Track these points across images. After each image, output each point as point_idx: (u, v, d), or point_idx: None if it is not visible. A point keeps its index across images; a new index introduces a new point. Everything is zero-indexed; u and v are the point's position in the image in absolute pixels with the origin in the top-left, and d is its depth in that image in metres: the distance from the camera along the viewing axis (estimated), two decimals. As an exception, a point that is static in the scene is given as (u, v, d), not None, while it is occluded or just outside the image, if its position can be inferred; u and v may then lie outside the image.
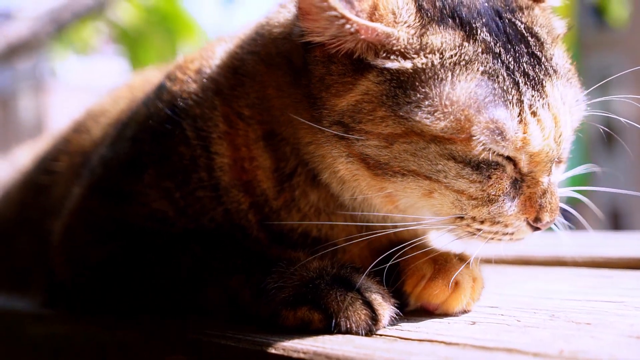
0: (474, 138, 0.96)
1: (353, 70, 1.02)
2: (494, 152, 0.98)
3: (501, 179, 1.01)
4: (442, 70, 0.98)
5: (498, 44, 1.01)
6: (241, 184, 1.16)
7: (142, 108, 1.30)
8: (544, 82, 1.00)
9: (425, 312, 1.07)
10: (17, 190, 1.80)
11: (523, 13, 1.07)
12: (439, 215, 1.04)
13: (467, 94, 0.97)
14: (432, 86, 0.98)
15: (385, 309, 1.01)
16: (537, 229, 1.05)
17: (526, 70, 1.00)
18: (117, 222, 1.24)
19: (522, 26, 1.05)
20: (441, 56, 0.99)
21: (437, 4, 1.03)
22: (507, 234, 1.04)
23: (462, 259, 1.08)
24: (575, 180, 1.22)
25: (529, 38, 1.04)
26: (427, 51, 1.00)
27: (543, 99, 1.00)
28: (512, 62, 1.00)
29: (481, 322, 1.00)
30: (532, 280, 1.30)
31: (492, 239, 1.04)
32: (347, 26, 0.98)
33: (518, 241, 1.06)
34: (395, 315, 1.01)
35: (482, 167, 0.99)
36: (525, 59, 1.01)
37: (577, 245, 1.48)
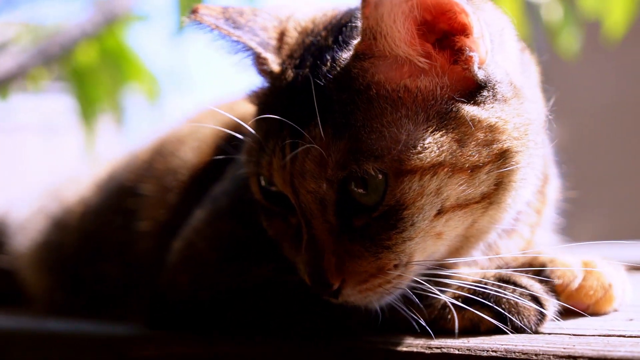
0: None
1: None
2: None
3: None
4: None
5: None
6: None
7: None
8: None
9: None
10: (81, 218, 1.80)
11: None
12: None
13: None
14: None
15: (551, 305, 1.07)
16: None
17: None
18: (245, 243, 1.28)
19: None
20: None
21: None
22: None
23: (609, 262, 1.16)
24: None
25: None
26: None
27: None
28: None
29: (637, 319, 1.08)
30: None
31: None
32: None
33: None
34: (557, 311, 1.08)
35: None
36: None
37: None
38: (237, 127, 1.41)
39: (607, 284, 1.12)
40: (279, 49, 1.17)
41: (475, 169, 1.01)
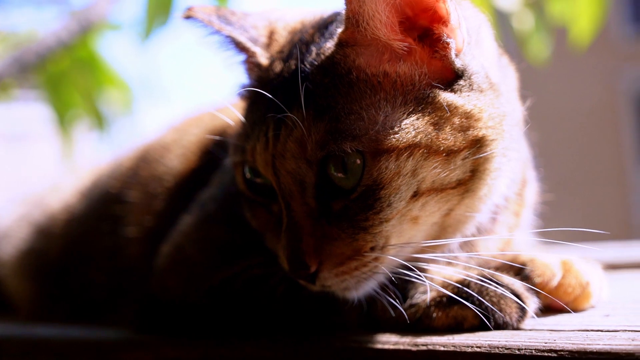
0: None
1: None
2: None
3: None
4: None
5: None
6: None
7: None
8: None
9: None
10: (66, 225, 1.81)
11: None
12: None
13: None
14: None
15: (531, 302, 1.11)
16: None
17: None
18: (233, 246, 1.31)
19: None
20: None
21: None
22: None
23: (587, 261, 1.21)
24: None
25: None
26: None
27: None
28: None
29: (613, 315, 1.13)
30: (620, 281, 1.44)
31: None
32: None
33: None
34: (538, 308, 1.12)
35: None
36: None
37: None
38: (222, 135, 1.45)
39: (585, 281, 1.17)
40: (268, 46, 1.24)
41: (450, 153, 1.07)
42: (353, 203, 1.07)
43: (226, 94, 1.44)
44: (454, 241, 1.18)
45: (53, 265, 1.80)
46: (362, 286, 1.13)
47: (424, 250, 1.15)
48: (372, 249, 1.09)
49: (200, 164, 1.55)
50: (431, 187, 1.07)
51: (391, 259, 1.10)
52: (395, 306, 1.14)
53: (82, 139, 5.47)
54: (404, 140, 1.04)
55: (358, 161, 1.05)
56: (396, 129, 1.04)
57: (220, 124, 1.51)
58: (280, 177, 1.10)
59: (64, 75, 4.55)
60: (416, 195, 1.06)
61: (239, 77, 1.29)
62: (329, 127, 1.05)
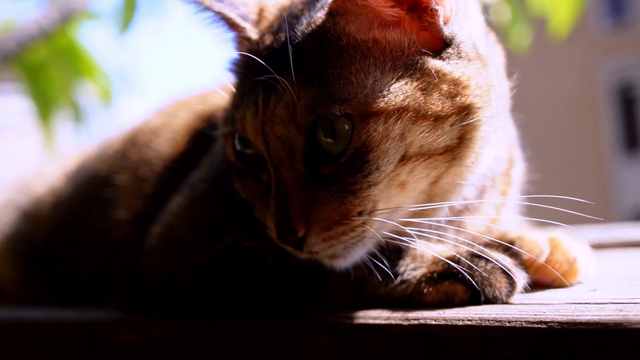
0: None
1: None
2: None
3: None
4: None
5: None
6: None
7: None
8: None
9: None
10: (53, 209, 1.81)
11: None
12: None
13: None
14: None
15: (520, 277, 1.13)
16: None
17: None
18: (223, 225, 1.31)
19: None
20: None
21: None
22: None
23: (574, 238, 1.23)
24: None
25: None
26: None
27: None
28: None
29: (600, 289, 1.14)
30: (605, 260, 1.46)
31: None
32: None
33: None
34: (526, 283, 1.14)
35: None
36: None
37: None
38: (210, 118, 1.46)
39: (572, 258, 1.19)
40: (257, 22, 1.25)
41: (438, 119, 1.09)
42: (342, 167, 1.08)
43: (213, 78, 1.45)
44: (444, 205, 1.20)
45: (40, 248, 1.80)
46: (350, 253, 1.14)
47: (414, 216, 1.16)
48: (360, 213, 1.10)
49: (189, 148, 1.56)
50: (419, 152, 1.09)
51: (379, 221, 1.12)
52: (386, 282, 1.15)
53: (62, 131, 5.45)
54: (393, 104, 1.06)
55: (347, 126, 1.07)
56: (385, 93, 1.07)
57: (208, 107, 1.52)
58: (269, 142, 1.11)
59: (42, 66, 4.51)
60: (404, 159, 1.08)
61: (229, 54, 1.31)
62: (318, 92, 1.06)
